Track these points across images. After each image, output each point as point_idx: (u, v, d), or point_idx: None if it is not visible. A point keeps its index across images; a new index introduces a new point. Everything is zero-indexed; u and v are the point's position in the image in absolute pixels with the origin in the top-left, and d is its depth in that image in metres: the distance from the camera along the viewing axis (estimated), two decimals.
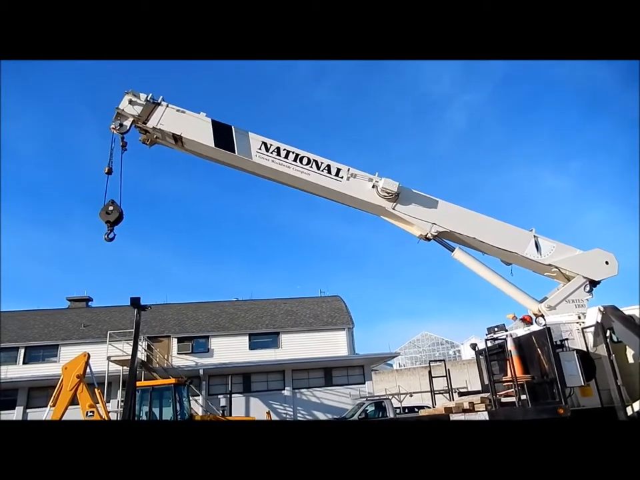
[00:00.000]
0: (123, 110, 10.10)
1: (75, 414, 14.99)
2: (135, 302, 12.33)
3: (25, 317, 28.14)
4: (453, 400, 10.64)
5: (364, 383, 25.19)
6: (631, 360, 8.53)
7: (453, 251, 10.35)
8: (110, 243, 9.85)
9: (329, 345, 26.73)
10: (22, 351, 25.79)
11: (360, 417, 17.61)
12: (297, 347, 26.44)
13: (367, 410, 18.42)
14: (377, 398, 20.78)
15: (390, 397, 21.38)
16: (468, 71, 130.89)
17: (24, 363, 25.61)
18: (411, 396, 24.66)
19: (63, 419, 14.39)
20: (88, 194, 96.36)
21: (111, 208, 9.87)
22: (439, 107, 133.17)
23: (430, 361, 13.52)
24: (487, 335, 9.64)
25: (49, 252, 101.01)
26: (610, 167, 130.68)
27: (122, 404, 19.67)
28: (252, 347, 26.89)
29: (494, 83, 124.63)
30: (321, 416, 23.66)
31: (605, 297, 9.43)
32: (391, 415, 17.53)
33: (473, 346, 10.26)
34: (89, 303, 32.09)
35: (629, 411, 7.70)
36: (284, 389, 24.80)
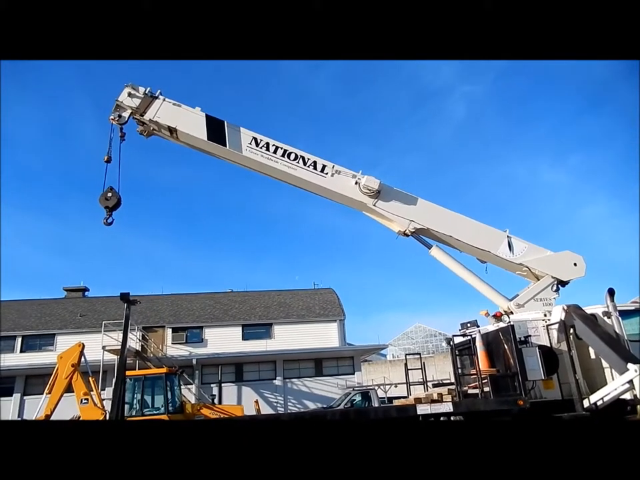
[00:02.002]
0: (122, 102, 10.43)
1: (71, 401, 15.58)
2: (125, 296, 12.79)
3: (22, 306, 28.59)
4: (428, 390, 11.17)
5: (353, 374, 25.71)
6: (592, 356, 9.03)
7: (430, 248, 10.83)
8: (108, 233, 10.43)
9: (320, 336, 27.28)
10: (19, 340, 26.30)
11: (346, 405, 18.22)
12: (288, 337, 26.98)
13: (354, 400, 19.03)
14: (364, 388, 21.36)
15: (375, 388, 21.99)
16: (467, 63, 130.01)
17: (21, 351, 26.10)
18: (396, 386, 25.28)
19: (59, 406, 14.95)
20: (86, 182, 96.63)
21: (109, 194, 10.25)
22: (438, 98, 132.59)
23: (405, 354, 14.07)
24: (459, 330, 10.14)
25: (45, 240, 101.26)
26: (609, 160, 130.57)
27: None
28: (245, 337, 27.42)
29: (494, 73, 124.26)
30: (311, 405, 24.24)
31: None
32: (376, 404, 18.12)
33: (448, 340, 10.78)
34: (86, 293, 32.53)
35: (586, 403, 8.20)
36: (275, 379, 25.34)
